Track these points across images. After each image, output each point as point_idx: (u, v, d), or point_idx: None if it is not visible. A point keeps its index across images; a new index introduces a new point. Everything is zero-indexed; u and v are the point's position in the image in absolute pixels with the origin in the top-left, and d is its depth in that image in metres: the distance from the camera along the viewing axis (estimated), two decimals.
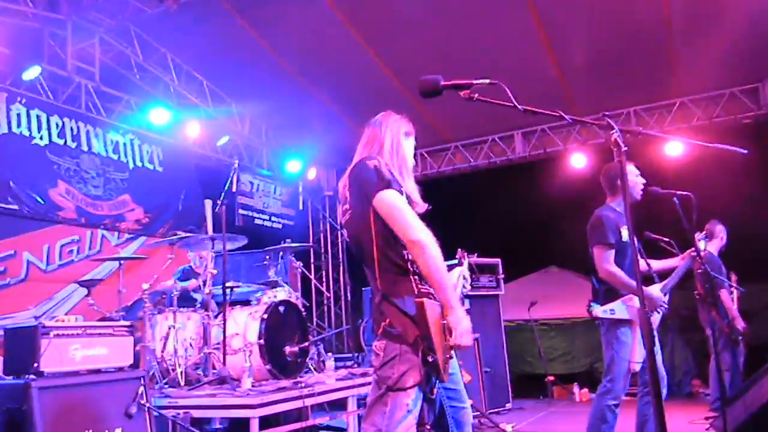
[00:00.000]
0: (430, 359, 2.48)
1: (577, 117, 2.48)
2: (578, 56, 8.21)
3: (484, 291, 8.25)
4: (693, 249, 4.44)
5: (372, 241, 2.61)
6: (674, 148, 8.97)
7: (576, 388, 8.94)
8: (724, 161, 7.52)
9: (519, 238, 10.98)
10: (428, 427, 2.90)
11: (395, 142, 2.82)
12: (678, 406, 7.65)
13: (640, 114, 9.53)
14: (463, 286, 3.08)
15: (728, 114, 9.05)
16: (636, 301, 4.12)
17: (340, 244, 11.79)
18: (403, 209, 2.57)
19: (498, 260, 8.52)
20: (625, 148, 2.13)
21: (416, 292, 2.55)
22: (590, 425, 4.28)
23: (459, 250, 3.23)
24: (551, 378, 9.22)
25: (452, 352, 2.67)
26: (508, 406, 8.08)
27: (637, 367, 4.10)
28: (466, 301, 7.96)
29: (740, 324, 6.34)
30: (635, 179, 4.31)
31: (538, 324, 9.67)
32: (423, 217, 2.71)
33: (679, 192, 4.25)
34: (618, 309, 4.14)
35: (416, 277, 2.60)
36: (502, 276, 8.49)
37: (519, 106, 2.27)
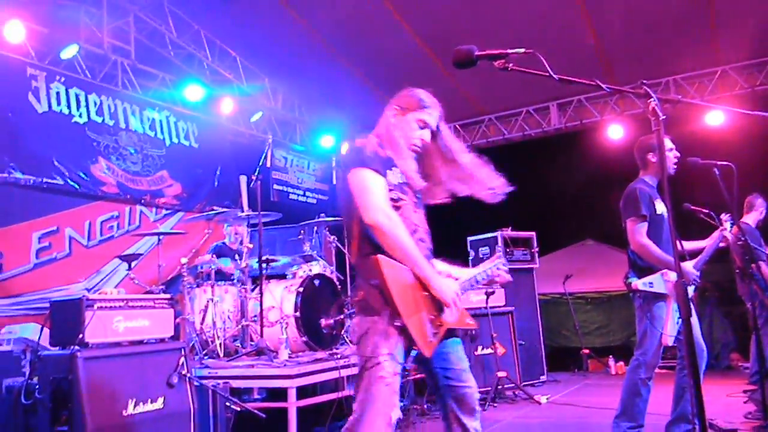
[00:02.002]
0: (397, 324, 2.44)
1: (615, 86, 2.43)
2: (616, 25, 8.02)
3: (518, 265, 8.22)
4: (722, 228, 4.39)
5: (352, 217, 2.62)
6: (715, 118, 8.74)
7: (611, 361, 8.89)
8: (767, 131, 7.31)
9: (554, 211, 10.86)
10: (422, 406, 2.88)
11: (390, 119, 2.79)
12: (716, 379, 7.56)
13: (680, 83, 9.29)
14: (486, 273, 2.98)
15: None
16: (672, 276, 4.09)
17: None
18: (367, 190, 2.55)
19: (533, 234, 8.47)
20: (663, 117, 2.09)
21: None
22: (623, 398, 4.28)
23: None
24: (586, 351, 9.18)
25: (442, 327, 2.62)
26: (543, 378, 8.08)
27: (670, 341, 4.08)
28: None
29: None
30: (668, 153, 4.23)
31: (574, 297, 9.61)
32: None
33: (719, 162, 4.18)
34: (656, 282, 4.10)
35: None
36: (537, 249, 8.44)
37: (554, 76, 2.23)
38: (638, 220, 4.16)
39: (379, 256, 2.47)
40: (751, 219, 6.30)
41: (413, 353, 2.52)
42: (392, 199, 2.62)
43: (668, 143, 4.28)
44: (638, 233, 4.15)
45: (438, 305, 2.61)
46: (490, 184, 2.93)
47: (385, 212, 2.51)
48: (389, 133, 2.75)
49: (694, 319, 4.22)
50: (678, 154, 4.27)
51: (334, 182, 11.28)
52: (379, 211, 2.50)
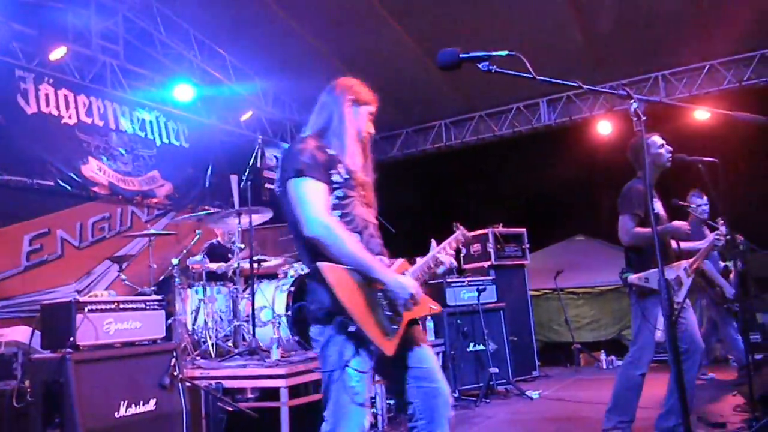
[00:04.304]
0: (351, 329, 2.36)
1: (599, 84, 2.48)
2: (604, 21, 8.06)
3: (509, 261, 8.26)
4: (717, 232, 4.47)
5: (296, 226, 2.51)
6: (702, 114, 8.79)
7: (603, 356, 8.94)
8: (755, 124, 7.36)
9: (544, 207, 10.91)
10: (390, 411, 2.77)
11: (339, 114, 2.69)
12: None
13: (668, 78, 9.35)
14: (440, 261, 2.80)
15: (759, 77, 8.83)
16: (674, 269, 4.17)
17: None
18: (304, 202, 2.45)
19: (523, 230, 8.50)
20: (644, 118, 2.12)
21: None
22: (616, 392, 4.34)
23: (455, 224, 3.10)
24: (577, 346, 9.23)
25: (403, 321, 2.54)
26: (535, 373, 8.13)
27: (663, 337, 4.12)
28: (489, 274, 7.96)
29: (729, 291, 6.38)
30: (659, 150, 4.30)
31: (565, 292, 9.66)
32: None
33: (705, 158, 4.24)
34: (652, 278, 4.15)
35: None
36: (528, 246, 8.48)
37: (537, 77, 2.26)
38: (629, 217, 4.22)
39: (322, 264, 2.39)
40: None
41: (374, 353, 2.44)
42: (339, 197, 2.55)
43: (659, 140, 4.34)
44: (627, 226, 4.22)
45: (394, 300, 2.52)
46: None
47: (322, 224, 2.42)
48: (345, 127, 2.66)
49: (691, 314, 4.28)
50: (671, 148, 4.33)
51: None
52: (316, 225, 2.41)
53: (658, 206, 4.31)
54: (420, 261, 2.75)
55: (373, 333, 2.39)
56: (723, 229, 4.50)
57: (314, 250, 2.46)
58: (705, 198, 6.23)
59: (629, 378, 4.28)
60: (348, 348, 2.41)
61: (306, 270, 5.88)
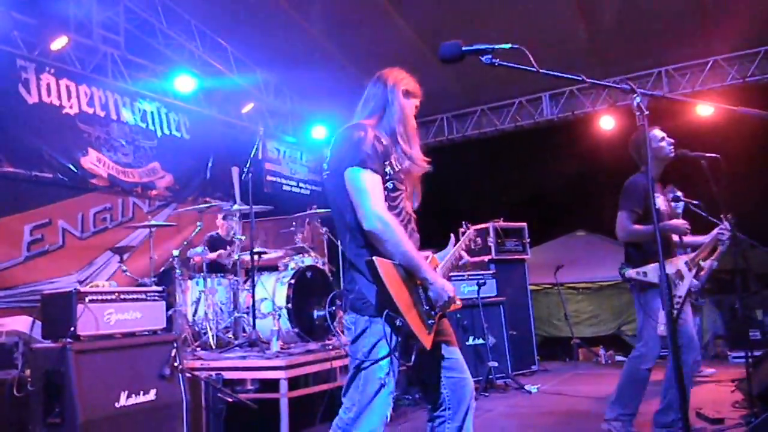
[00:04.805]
0: (398, 323, 2.37)
1: (602, 79, 2.47)
2: (608, 16, 8.03)
3: (510, 255, 8.26)
4: (721, 226, 4.46)
5: (348, 210, 2.52)
6: (705, 109, 8.79)
7: (602, 351, 8.96)
8: (758, 120, 7.34)
9: (546, 202, 10.90)
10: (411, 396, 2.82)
11: (395, 104, 2.67)
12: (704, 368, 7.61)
13: (672, 74, 9.31)
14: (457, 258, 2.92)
15: (763, 73, 8.80)
16: (674, 263, 4.20)
17: None
18: (365, 194, 2.44)
19: (524, 224, 8.49)
20: (647, 113, 2.11)
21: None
22: (621, 385, 4.35)
23: (464, 223, 3.16)
24: (576, 340, 9.24)
25: (436, 317, 2.57)
26: (534, 368, 8.14)
27: (665, 331, 4.12)
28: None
29: (693, 285, 6.38)
30: (660, 143, 4.30)
31: (565, 287, 9.66)
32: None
33: (707, 154, 4.23)
34: (650, 272, 4.15)
35: None
36: (529, 240, 8.47)
37: (540, 71, 2.25)
38: (626, 213, 4.23)
39: (378, 258, 2.39)
40: None
41: (413, 347, 2.46)
42: (389, 190, 2.54)
43: (659, 133, 4.34)
44: (623, 224, 4.24)
45: (434, 299, 2.56)
46: None
47: (382, 219, 2.42)
48: (407, 118, 2.67)
49: (689, 312, 4.28)
50: (672, 141, 4.33)
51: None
52: (376, 219, 2.41)
53: (660, 201, 4.32)
54: (445, 257, 2.85)
55: (416, 327, 2.42)
56: (726, 224, 4.49)
57: (363, 241, 2.49)
58: (680, 193, 6.25)
59: (635, 372, 4.29)
60: (389, 341, 2.42)
61: (307, 262, 5.98)
